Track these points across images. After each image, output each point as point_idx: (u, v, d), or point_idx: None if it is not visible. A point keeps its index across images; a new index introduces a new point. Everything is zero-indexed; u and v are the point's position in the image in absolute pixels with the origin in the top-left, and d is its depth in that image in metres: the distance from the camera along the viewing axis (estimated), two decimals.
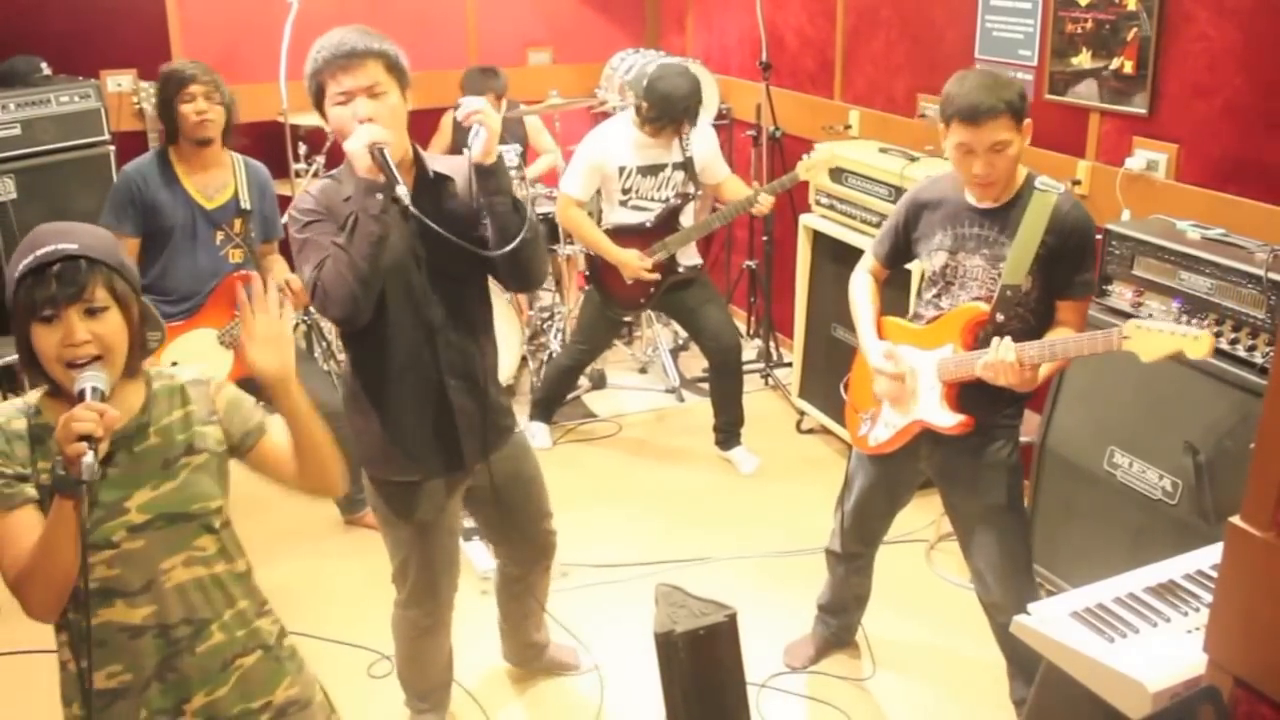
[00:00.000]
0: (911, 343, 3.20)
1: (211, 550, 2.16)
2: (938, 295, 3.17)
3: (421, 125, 6.12)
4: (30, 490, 1.99)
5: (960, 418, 3.09)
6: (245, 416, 2.23)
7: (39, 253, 1.96)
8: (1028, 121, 2.94)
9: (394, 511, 3.06)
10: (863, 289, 3.37)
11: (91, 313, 1.98)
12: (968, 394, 3.09)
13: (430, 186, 2.86)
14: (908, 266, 3.66)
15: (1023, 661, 3.16)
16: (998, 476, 3.17)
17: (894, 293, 3.48)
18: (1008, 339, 2.89)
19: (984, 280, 3.07)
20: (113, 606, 2.06)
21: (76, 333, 1.96)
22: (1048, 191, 2.97)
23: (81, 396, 1.91)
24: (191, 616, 2.13)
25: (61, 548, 1.93)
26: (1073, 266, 3.01)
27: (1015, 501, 3.20)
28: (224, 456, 2.20)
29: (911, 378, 3.18)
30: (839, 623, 3.79)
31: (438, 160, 2.94)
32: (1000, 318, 3.03)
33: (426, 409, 2.96)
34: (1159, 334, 2.72)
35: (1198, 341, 2.66)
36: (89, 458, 1.84)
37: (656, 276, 4.91)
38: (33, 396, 2.09)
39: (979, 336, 3.07)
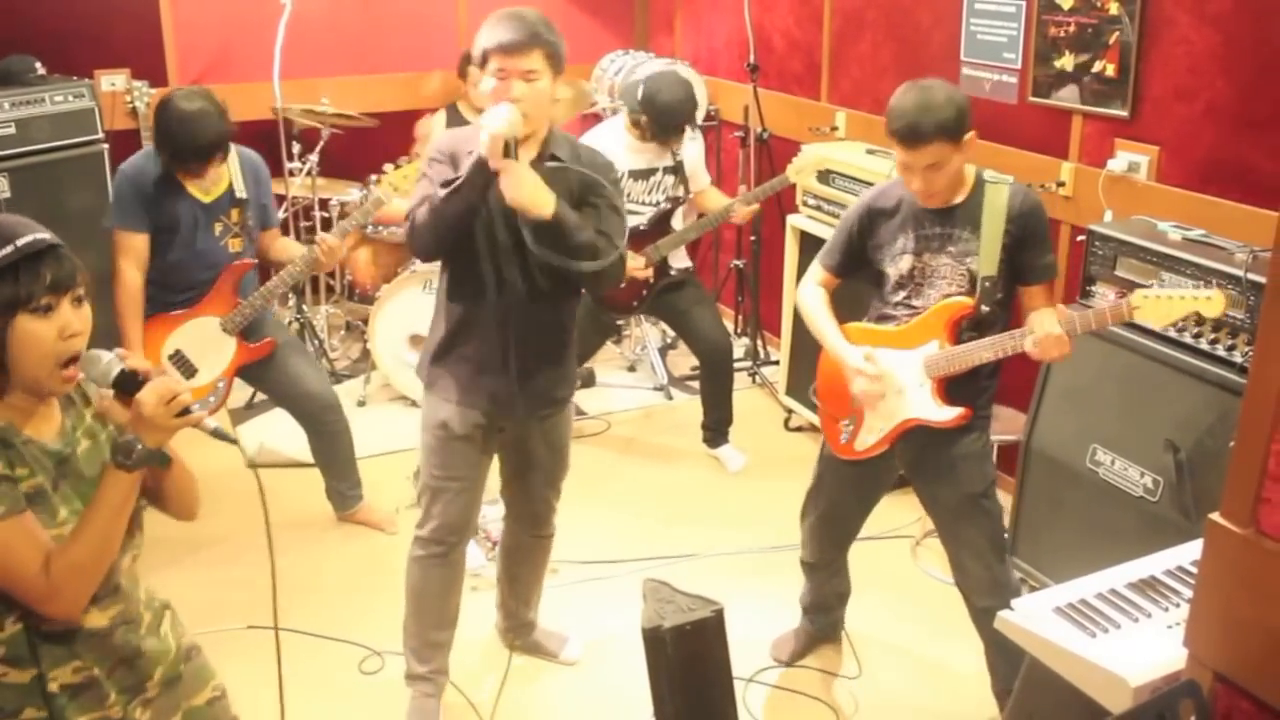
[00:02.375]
0: (887, 345, 3.24)
1: (137, 540, 2.14)
2: (909, 296, 3.22)
3: (414, 124, 6.17)
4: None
5: (958, 410, 3.17)
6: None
7: (20, 243, 1.86)
8: (969, 135, 3.02)
9: (429, 415, 3.28)
10: (817, 299, 3.38)
11: (79, 301, 1.93)
12: (953, 387, 3.17)
13: (546, 170, 3.04)
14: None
15: (1004, 651, 3.21)
16: (974, 466, 3.25)
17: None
18: (1046, 313, 3.00)
19: (952, 276, 3.15)
20: (86, 613, 2.01)
21: (75, 322, 1.90)
22: (999, 183, 3.11)
23: (128, 378, 1.91)
24: (137, 605, 2.14)
25: (119, 531, 1.95)
26: (1036, 251, 3.14)
27: (991, 489, 3.28)
28: None
29: (893, 379, 3.22)
30: (824, 620, 3.83)
31: (570, 146, 3.18)
32: (984, 309, 3.12)
33: (489, 359, 3.18)
34: (1169, 299, 2.85)
35: (1211, 301, 2.82)
36: (212, 422, 1.93)
37: (650, 279, 4.94)
38: None
39: (960, 329, 3.15)
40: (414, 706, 3.46)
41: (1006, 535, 4.06)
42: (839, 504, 3.51)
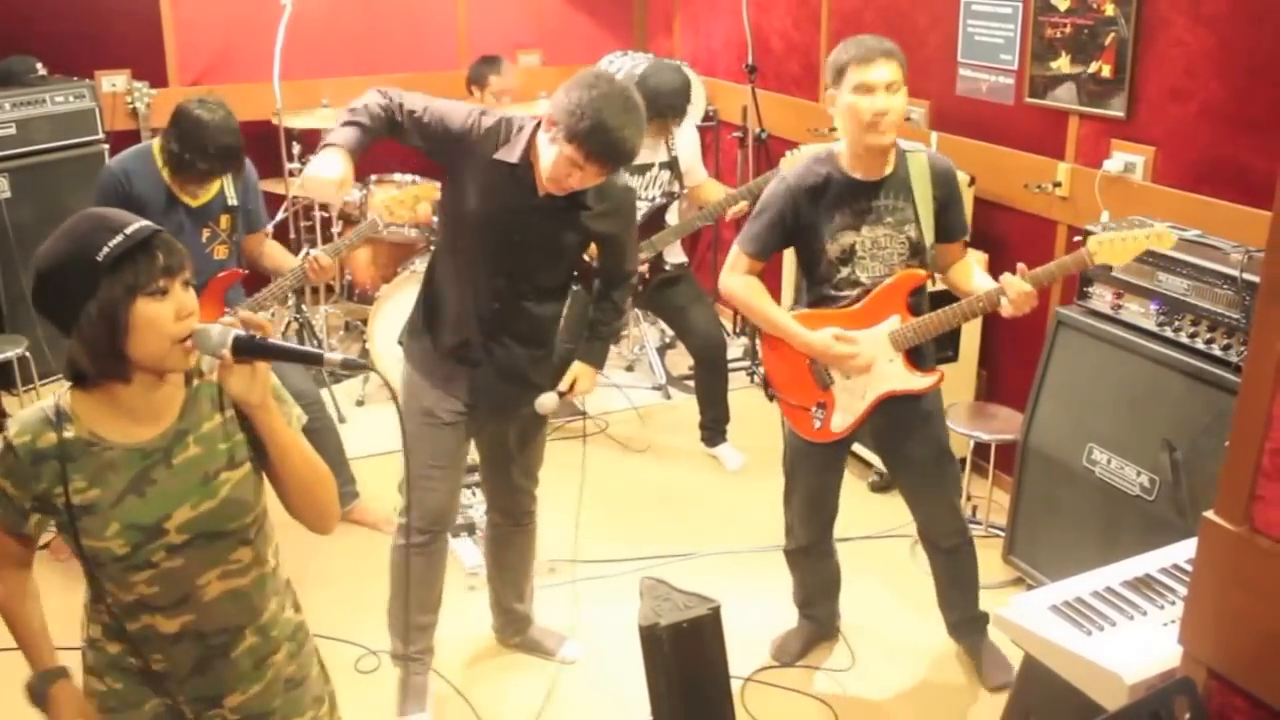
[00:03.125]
0: (844, 325, 3.26)
1: (247, 560, 2.11)
2: (852, 271, 3.25)
3: None
4: (28, 527, 1.99)
5: (935, 374, 3.32)
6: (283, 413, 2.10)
7: (130, 230, 1.90)
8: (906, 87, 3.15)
9: (411, 400, 3.31)
10: (756, 289, 3.35)
11: (187, 284, 1.95)
12: (915, 355, 3.30)
13: (565, 206, 3.07)
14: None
15: (961, 588, 3.58)
16: (941, 418, 3.46)
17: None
18: (1009, 275, 3.09)
19: (892, 246, 3.23)
20: (153, 616, 2.03)
21: (189, 301, 1.93)
22: (916, 152, 3.23)
23: (246, 340, 1.92)
24: (227, 625, 2.09)
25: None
26: (957, 209, 3.31)
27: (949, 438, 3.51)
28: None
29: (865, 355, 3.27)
30: (821, 614, 3.85)
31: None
32: (937, 276, 3.32)
33: (467, 354, 3.23)
34: (1123, 240, 3.03)
35: (1162, 238, 3.02)
36: (338, 355, 1.95)
37: (645, 274, 4.95)
38: (54, 401, 1.97)
39: (913, 299, 3.26)
40: (406, 684, 3.51)
41: (1005, 532, 4.11)
42: (818, 487, 3.56)
